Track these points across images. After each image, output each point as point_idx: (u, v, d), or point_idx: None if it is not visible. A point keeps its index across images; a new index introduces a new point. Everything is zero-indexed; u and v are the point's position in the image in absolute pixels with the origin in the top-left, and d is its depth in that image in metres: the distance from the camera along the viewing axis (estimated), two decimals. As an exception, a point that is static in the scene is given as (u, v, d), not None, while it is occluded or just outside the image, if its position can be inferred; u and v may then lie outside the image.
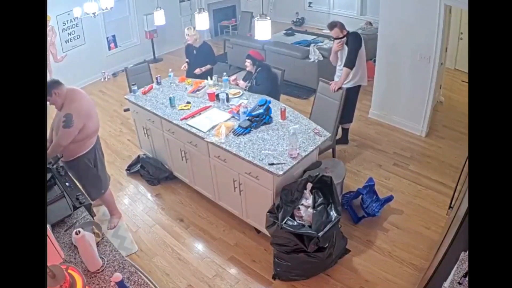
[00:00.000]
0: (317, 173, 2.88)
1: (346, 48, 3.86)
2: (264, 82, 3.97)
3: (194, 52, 4.74)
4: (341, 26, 3.83)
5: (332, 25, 3.86)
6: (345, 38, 3.86)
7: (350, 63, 3.79)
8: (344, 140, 4.45)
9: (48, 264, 1.42)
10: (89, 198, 3.19)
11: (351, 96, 3.98)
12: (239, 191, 3.15)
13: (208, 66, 4.76)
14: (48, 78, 5.88)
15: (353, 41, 3.81)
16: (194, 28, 4.52)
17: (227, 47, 7.12)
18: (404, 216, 3.45)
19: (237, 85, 4.10)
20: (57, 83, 2.82)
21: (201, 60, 4.74)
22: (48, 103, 2.83)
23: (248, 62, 4.08)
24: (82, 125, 2.84)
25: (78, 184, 3.10)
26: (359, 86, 4.00)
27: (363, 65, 3.93)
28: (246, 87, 3.99)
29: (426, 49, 4.14)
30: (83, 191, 3.15)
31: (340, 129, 4.33)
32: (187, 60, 4.86)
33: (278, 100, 4.03)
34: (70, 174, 3.00)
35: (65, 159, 2.99)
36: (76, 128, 2.80)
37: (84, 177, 3.09)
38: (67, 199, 2.41)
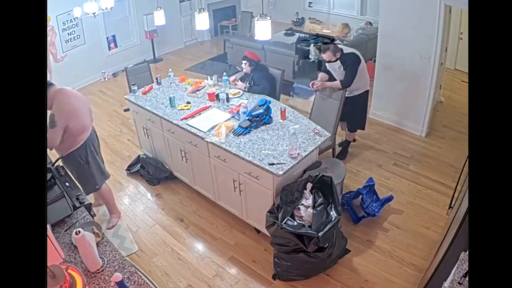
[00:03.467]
0: (317, 173, 2.88)
1: (340, 66, 3.72)
2: (262, 82, 3.97)
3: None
4: (334, 49, 3.60)
5: (324, 49, 3.64)
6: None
7: (347, 84, 3.68)
8: (343, 152, 4.30)
9: (48, 264, 1.42)
10: (84, 193, 3.21)
11: (361, 103, 3.99)
12: (239, 191, 3.15)
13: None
14: (48, 78, 5.89)
15: (352, 64, 3.65)
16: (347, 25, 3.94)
17: (227, 47, 7.12)
18: (404, 216, 3.45)
19: (235, 83, 4.10)
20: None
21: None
22: None
23: (244, 64, 4.07)
24: (65, 124, 2.85)
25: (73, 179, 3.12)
26: (367, 91, 3.99)
27: (366, 75, 3.89)
28: (245, 88, 3.99)
29: (426, 49, 4.14)
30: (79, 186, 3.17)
31: (339, 132, 4.30)
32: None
33: (278, 100, 4.03)
34: (67, 169, 3.01)
35: (62, 154, 3.01)
36: (60, 128, 2.81)
37: (76, 173, 3.10)
38: (67, 199, 2.41)
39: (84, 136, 3.05)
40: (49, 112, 2.80)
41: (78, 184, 3.16)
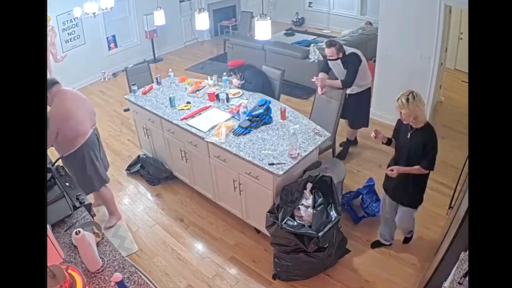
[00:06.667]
0: (317, 173, 2.88)
1: (340, 65, 3.73)
2: (254, 79, 3.98)
3: None
4: (339, 48, 3.64)
5: (330, 44, 3.68)
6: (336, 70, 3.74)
7: (348, 84, 3.69)
8: (343, 152, 4.32)
9: (48, 264, 1.42)
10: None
11: (365, 100, 4.00)
12: (239, 191, 3.15)
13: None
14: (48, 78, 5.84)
15: (353, 64, 3.67)
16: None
17: (227, 47, 7.12)
18: (404, 216, 3.44)
19: (231, 82, 4.11)
20: (49, 83, 2.79)
21: None
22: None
23: (235, 77, 4.09)
24: (57, 128, 2.85)
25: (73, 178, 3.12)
26: (369, 88, 3.99)
27: (368, 73, 3.89)
28: (239, 84, 4.02)
29: (426, 49, 4.14)
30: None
31: (339, 132, 4.30)
32: None
33: (278, 99, 4.03)
34: (66, 169, 3.01)
35: (62, 154, 3.01)
36: (52, 131, 2.82)
37: (74, 174, 3.08)
38: (67, 199, 2.41)
39: (80, 140, 3.03)
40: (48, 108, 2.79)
41: (77, 184, 3.17)
